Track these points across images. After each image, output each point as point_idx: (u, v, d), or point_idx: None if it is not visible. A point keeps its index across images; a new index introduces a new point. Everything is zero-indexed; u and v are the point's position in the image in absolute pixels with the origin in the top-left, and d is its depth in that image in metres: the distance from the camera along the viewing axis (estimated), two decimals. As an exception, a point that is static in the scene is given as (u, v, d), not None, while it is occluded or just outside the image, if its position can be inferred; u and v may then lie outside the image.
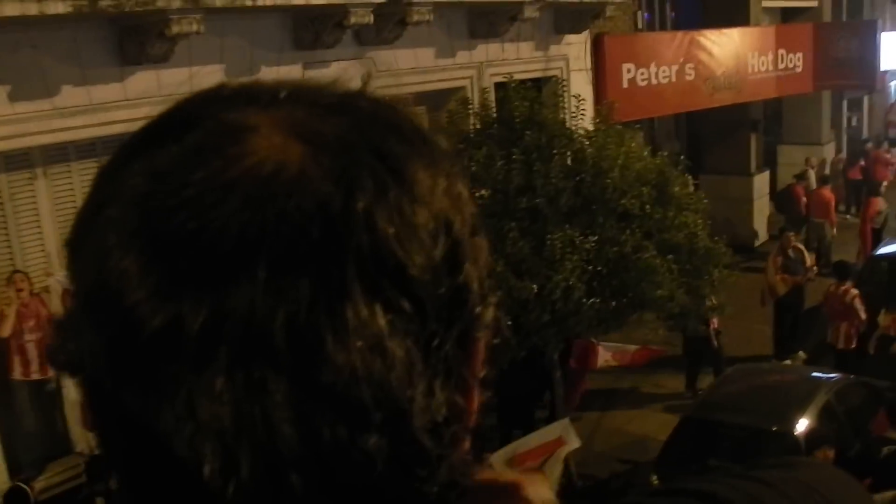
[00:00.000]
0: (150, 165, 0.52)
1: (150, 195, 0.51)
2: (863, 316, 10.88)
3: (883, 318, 10.79)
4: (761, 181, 18.26)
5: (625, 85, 13.25)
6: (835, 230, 16.18)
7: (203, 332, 0.48)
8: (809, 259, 13.10)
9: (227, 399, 0.48)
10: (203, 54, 8.13)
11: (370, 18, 8.60)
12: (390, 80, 9.85)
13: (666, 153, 8.62)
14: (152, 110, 0.57)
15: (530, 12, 10.39)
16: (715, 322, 10.88)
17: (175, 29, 7.26)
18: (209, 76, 8.25)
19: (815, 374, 9.79)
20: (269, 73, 8.89)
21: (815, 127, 21.21)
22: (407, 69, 10.07)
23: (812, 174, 18.20)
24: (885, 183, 19.76)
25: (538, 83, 12.26)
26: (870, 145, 21.70)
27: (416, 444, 0.52)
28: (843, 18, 22.94)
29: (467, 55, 10.78)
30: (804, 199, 16.52)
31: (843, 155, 20.71)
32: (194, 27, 7.35)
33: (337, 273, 0.50)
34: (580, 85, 12.62)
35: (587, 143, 7.97)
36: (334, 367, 0.49)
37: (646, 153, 8.46)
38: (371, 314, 0.50)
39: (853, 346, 10.94)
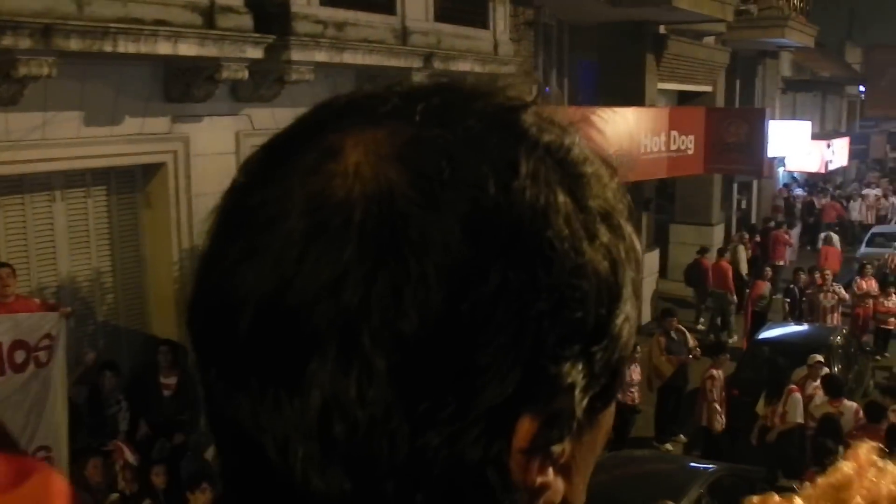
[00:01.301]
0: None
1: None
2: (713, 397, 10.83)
3: (761, 408, 10.64)
4: (651, 259, 18.35)
5: (516, 157, 13.08)
6: (735, 298, 16.82)
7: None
8: (692, 340, 13.07)
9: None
10: (59, 99, 7.56)
11: (244, 74, 8.19)
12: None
13: None
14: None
15: (419, 79, 10.11)
16: None
17: (23, 71, 6.70)
18: (65, 123, 7.69)
19: (691, 464, 9.58)
20: (135, 125, 8.37)
21: (706, 208, 21.59)
22: (287, 128, 9.64)
23: (741, 249, 19.01)
24: (781, 262, 20.20)
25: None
26: (772, 224, 22.24)
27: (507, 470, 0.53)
28: (736, 104, 23.62)
29: (353, 118, 10.42)
30: (710, 271, 17.38)
31: (744, 233, 21.20)
32: (45, 70, 6.80)
33: None
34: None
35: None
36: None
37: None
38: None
39: (723, 428, 10.89)
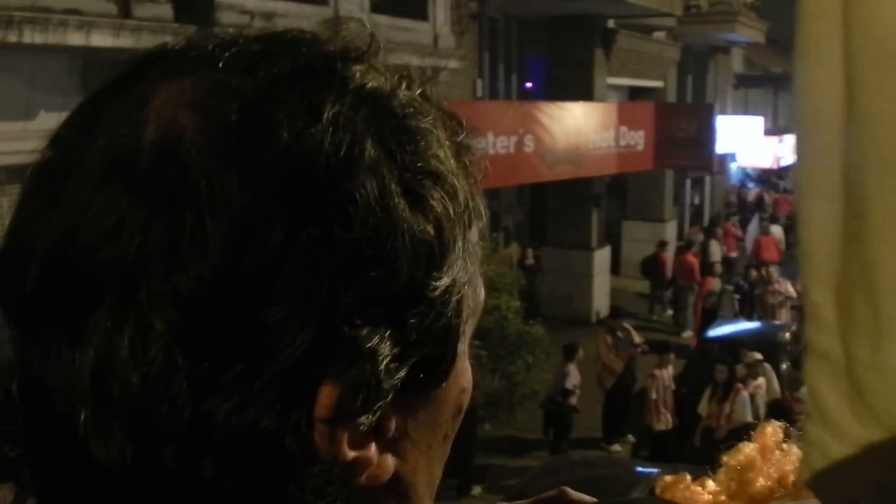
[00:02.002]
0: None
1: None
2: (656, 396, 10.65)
3: (704, 408, 10.38)
4: (602, 256, 18.16)
5: (460, 153, 12.79)
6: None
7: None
8: (638, 337, 12.89)
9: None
10: (-36, 93, 7.15)
11: (166, 66, 7.79)
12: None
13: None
14: None
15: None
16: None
17: (-81, 62, 6.28)
18: (-29, 118, 7.27)
19: (637, 468, 9.34)
20: (52, 120, 7.94)
21: (658, 204, 21.51)
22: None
23: (714, 244, 19.33)
24: (734, 254, 20.17)
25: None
26: (728, 222, 22.24)
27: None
28: (688, 100, 23.56)
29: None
30: (668, 264, 17.95)
31: (697, 227, 21.20)
32: (-58, 61, 6.39)
33: None
34: (413, 151, 12.11)
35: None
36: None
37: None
38: None
39: (669, 427, 10.68)
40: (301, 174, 0.49)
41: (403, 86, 0.57)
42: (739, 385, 10.09)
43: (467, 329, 0.58)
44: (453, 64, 11.40)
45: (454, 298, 0.54)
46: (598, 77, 17.31)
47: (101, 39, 7.17)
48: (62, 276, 0.48)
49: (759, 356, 11.06)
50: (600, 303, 17.53)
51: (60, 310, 0.49)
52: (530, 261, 17.05)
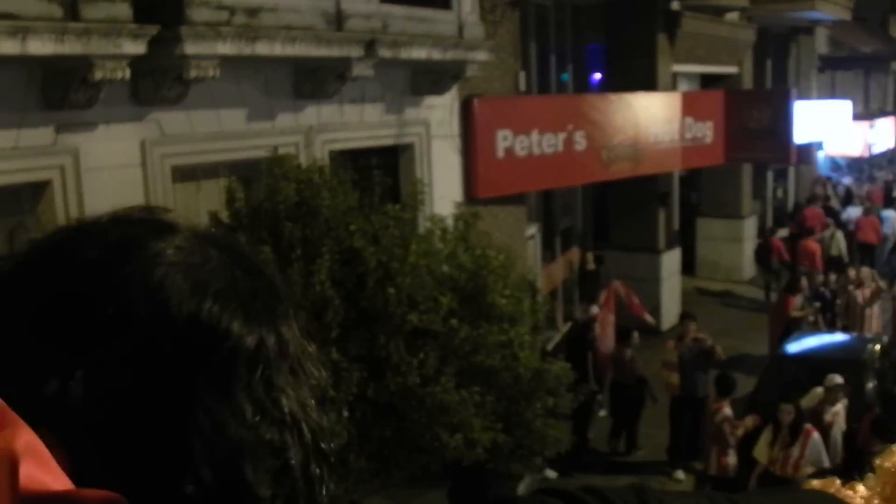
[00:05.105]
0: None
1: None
2: (731, 441, 9.21)
3: (763, 452, 8.79)
4: (671, 259, 16.75)
5: (500, 155, 11.63)
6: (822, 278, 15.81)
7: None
8: (719, 352, 11.52)
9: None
10: None
11: (125, 73, 6.85)
12: (183, 146, 8.13)
13: (480, 251, 6.72)
14: None
15: (361, 70, 8.72)
16: None
17: None
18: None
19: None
20: (9, 137, 7.11)
21: (735, 199, 19.95)
22: (207, 133, 8.34)
23: (839, 235, 19.32)
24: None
25: (394, 151, 10.65)
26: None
27: None
28: (768, 85, 21.84)
29: (292, 118, 9.08)
30: (782, 249, 17.97)
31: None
32: None
33: None
34: (445, 154, 11.00)
35: (369, 234, 6.06)
36: None
37: (462, 249, 6.66)
38: None
39: (730, 474, 9.24)
40: None
41: None
42: (809, 426, 8.62)
43: None
44: (481, 56, 10.23)
45: None
46: (662, 65, 15.90)
47: (39, 46, 6.27)
48: None
49: (839, 379, 9.60)
50: (670, 310, 16.13)
51: None
52: (591, 265, 15.75)
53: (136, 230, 0.71)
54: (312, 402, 0.69)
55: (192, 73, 7.28)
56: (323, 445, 0.68)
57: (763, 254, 18.29)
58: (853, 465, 1.12)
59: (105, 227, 0.71)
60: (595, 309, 13.03)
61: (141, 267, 0.66)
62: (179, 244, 0.69)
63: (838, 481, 0.85)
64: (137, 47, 6.81)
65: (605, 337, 12.52)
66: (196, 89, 7.81)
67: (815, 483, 0.86)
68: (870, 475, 0.85)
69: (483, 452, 5.90)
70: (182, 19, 7.12)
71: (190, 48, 7.13)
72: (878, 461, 0.86)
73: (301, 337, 0.70)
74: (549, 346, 13.30)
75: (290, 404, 0.66)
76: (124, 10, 6.76)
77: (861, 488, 0.84)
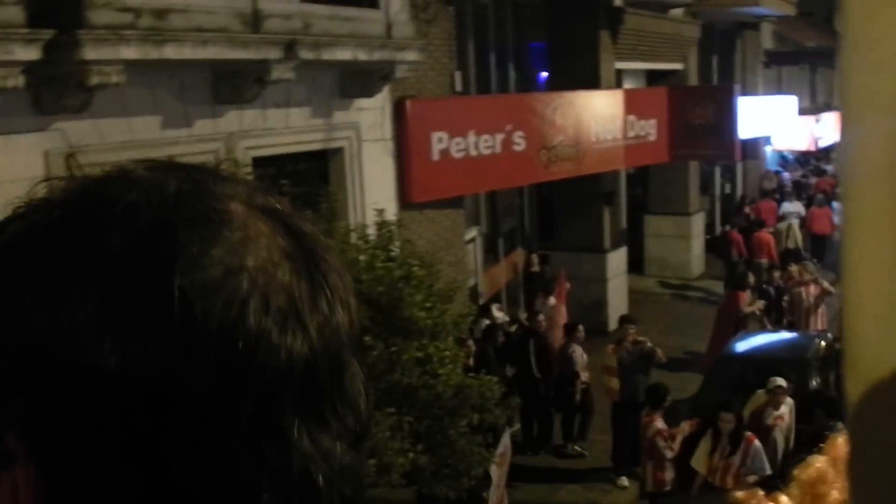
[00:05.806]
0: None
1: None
2: (668, 455, 8.98)
3: (701, 461, 8.56)
4: (617, 258, 16.55)
5: (435, 157, 11.31)
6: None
7: None
8: (660, 354, 11.31)
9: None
10: None
11: (19, 81, 6.45)
12: (91, 157, 7.70)
13: (400, 261, 6.41)
14: None
15: (281, 72, 8.35)
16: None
17: None
18: None
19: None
20: None
21: (682, 196, 19.81)
22: (119, 143, 7.92)
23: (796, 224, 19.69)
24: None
25: (324, 156, 10.29)
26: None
27: None
28: (715, 81, 21.77)
29: (211, 124, 8.69)
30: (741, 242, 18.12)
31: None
32: None
33: None
34: (377, 158, 10.65)
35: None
36: None
37: (382, 259, 6.35)
38: None
39: (667, 488, 9.00)
40: None
41: None
42: (750, 435, 8.39)
43: None
44: (412, 56, 9.91)
45: None
46: (605, 62, 15.68)
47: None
48: None
49: (781, 382, 9.41)
50: (616, 310, 15.91)
51: None
52: (536, 267, 15.52)
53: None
54: None
55: (94, 80, 6.87)
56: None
57: (722, 247, 18.41)
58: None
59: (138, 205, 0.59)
60: (552, 300, 13.00)
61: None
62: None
63: (761, 492, 0.88)
64: (30, 53, 6.41)
65: (556, 329, 12.33)
66: (102, 96, 7.40)
67: (739, 495, 0.88)
68: (793, 484, 0.85)
69: (399, 477, 5.60)
70: (81, 23, 6.71)
71: (90, 53, 6.72)
72: (795, 472, 0.87)
73: None
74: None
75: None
76: (16, 14, 6.35)
77: (784, 499, 0.86)
